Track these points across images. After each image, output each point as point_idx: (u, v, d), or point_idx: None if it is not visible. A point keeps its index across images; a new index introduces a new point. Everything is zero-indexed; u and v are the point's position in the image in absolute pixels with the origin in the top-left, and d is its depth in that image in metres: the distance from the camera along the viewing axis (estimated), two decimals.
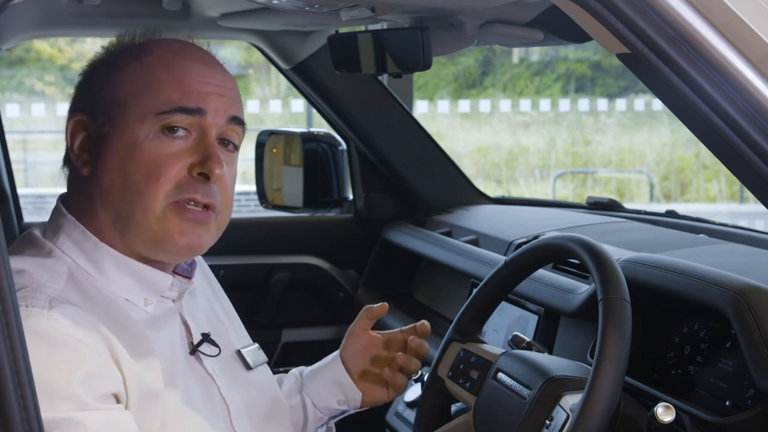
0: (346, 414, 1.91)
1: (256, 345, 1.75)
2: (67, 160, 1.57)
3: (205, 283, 1.75)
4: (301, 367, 1.95)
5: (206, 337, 1.60)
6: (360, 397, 1.88)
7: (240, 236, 3.10)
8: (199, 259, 1.72)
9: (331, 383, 1.87)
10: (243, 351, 1.69)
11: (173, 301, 1.59)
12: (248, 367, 1.68)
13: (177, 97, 1.49)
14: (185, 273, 1.62)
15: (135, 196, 1.48)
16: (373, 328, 1.92)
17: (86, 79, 1.58)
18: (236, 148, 1.59)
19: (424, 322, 1.89)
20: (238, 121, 1.56)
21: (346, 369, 1.87)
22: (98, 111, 1.52)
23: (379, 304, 1.90)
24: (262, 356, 1.74)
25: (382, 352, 1.89)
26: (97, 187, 1.51)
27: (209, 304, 1.71)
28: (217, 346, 1.62)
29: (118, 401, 1.40)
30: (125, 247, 1.52)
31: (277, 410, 1.72)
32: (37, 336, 1.34)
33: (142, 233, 1.50)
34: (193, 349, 1.58)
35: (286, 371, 1.99)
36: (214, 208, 1.52)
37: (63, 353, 1.35)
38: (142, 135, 1.48)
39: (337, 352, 1.91)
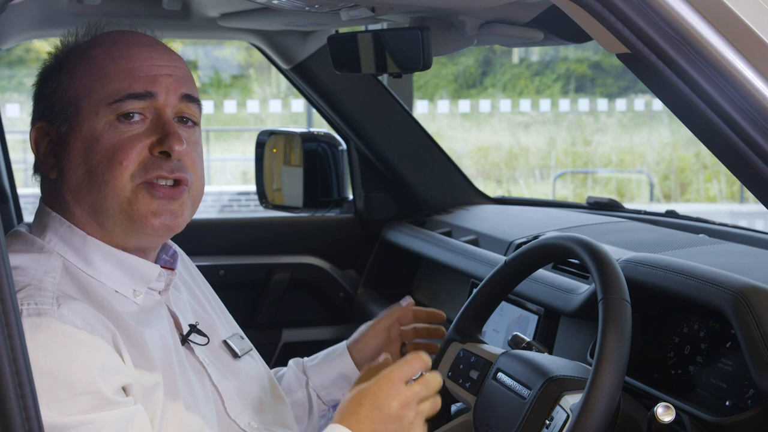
0: None
1: (241, 333, 1.77)
2: (38, 168, 1.59)
3: (186, 275, 1.76)
4: (298, 359, 1.95)
5: (194, 328, 1.62)
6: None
7: (240, 236, 3.10)
8: (178, 248, 1.73)
9: (339, 378, 1.90)
10: (229, 340, 1.71)
11: (159, 293, 1.60)
12: (236, 355, 1.69)
13: (125, 85, 1.51)
14: (168, 264, 1.63)
15: (102, 185, 1.49)
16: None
17: (40, 87, 1.60)
18: (195, 123, 1.59)
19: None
20: (191, 99, 1.57)
21: (355, 362, 1.90)
22: (55, 114, 1.54)
23: (405, 300, 1.95)
24: (247, 344, 1.76)
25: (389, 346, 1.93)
26: (66, 186, 1.53)
27: (192, 295, 1.73)
28: (204, 335, 1.63)
29: (127, 394, 1.42)
30: (107, 238, 1.53)
31: (269, 395, 1.72)
32: (50, 333, 1.36)
33: (117, 219, 1.51)
34: (183, 339, 1.59)
35: None
36: (186, 181, 1.53)
37: (79, 348, 1.37)
38: (99, 127, 1.50)
39: (344, 346, 1.93)
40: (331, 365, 1.90)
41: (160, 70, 1.54)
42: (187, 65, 1.62)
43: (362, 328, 1.95)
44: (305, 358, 1.96)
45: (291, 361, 1.95)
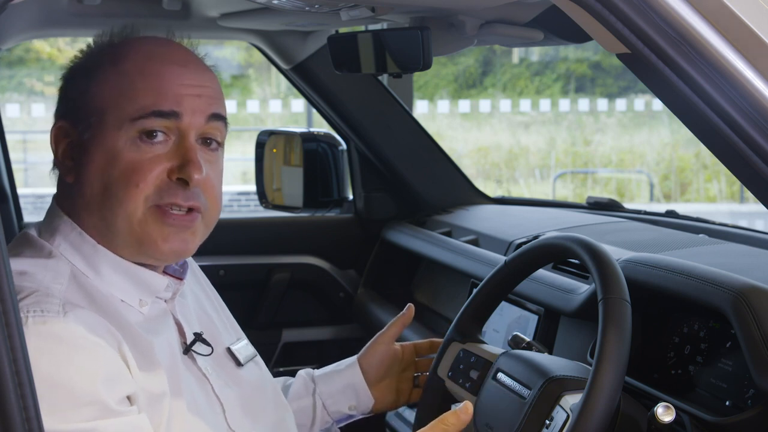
0: (353, 419, 1.92)
1: (245, 340, 1.75)
2: (56, 164, 1.57)
3: (193, 280, 1.75)
4: (308, 369, 1.95)
5: (198, 337, 1.60)
6: (372, 404, 1.90)
7: (240, 236, 3.10)
8: (189, 259, 1.72)
9: (345, 388, 1.89)
10: (233, 348, 1.69)
11: (166, 302, 1.59)
12: (239, 363, 1.68)
13: (151, 102, 1.48)
14: (176, 274, 1.62)
15: (115, 203, 1.47)
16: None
17: (66, 85, 1.57)
18: (219, 145, 1.56)
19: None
20: (218, 118, 1.54)
21: (363, 373, 1.89)
22: (78, 118, 1.52)
23: (406, 307, 1.94)
24: (251, 350, 1.74)
25: (398, 363, 1.92)
26: (80, 194, 1.51)
27: (198, 302, 1.71)
28: (209, 345, 1.62)
29: (131, 403, 1.41)
30: (116, 251, 1.52)
31: (271, 404, 1.72)
32: (55, 341, 1.34)
33: (126, 239, 1.49)
34: (187, 349, 1.58)
35: (287, 371, 1.99)
36: (199, 209, 1.51)
37: (83, 357, 1.36)
38: (120, 142, 1.47)
39: (354, 358, 1.92)
40: (339, 374, 1.90)
41: (188, 90, 1.51)
42: (219, 82, 1.59)
43: (371, 339, 1.95)
44: (315, 369, 1.95)
45: (301, 371, 1.95)
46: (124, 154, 1.47)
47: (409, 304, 1.95)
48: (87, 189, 1.50)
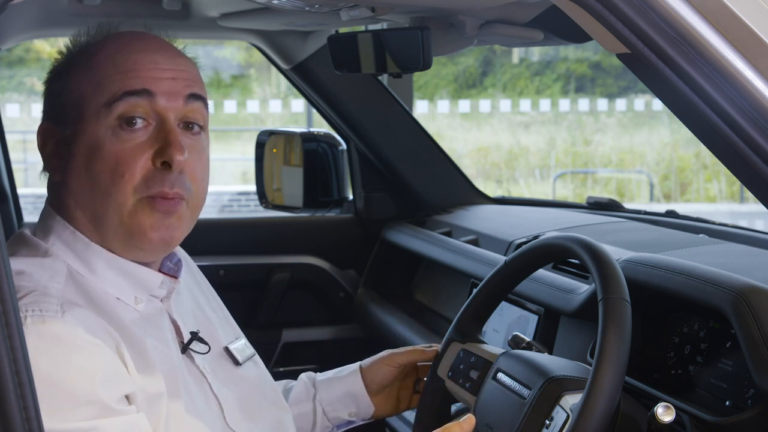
0: (353, 425, 1.92)
1: (244, 340, 1.75)
2: (44, 164, 1.57)
3: (190, 279, 1.74)
4: (310, 373, 1.95)
5: (195, 336, 1.60)
6: (372, 411, 1.90)
7: (240, 236, 3.10)
8: (184, 255, 1.72)
9: (346, 395, 1.88)
10: (231, 347, 1.69)
11: (161, 300, 1.59)
12: (237, 363, 1.68)
13: (123, 84, 1.47)
14: (171, 272, 1.62)
15: (104, 196, 1.47)
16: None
17: (48, 87, 1.58)
18: (202, 128, 1.56)
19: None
20: (197, 98, 1.53)
21: (365, 383, 1.89)
22: (59, 117, 1.52)
23: (430, 346, 1.94)
24: (250, 350, 1.74)
25: (400, 373, 1.92)
26: (68, 191, 1.51)
27: (195, 301, 1.71)
28: (206, 343, 1.61)
29: (130, 403, 1.41)
30: (107, 246, 1.51)
31: (269, 404, 1.72)
32: (53, 341, 1.34)
33: (117, 230, 1.49)
34: (184, 348, 1.58)
35: (287, 371, 1.99)
36: (183, 197, 1.51)
37: (82, 357, 1.36)
38: (101, 133, 1.47)
39: (357, 365, 1.92)
40: (340, 381, 1.90)
41: (162, 72, 1.50)
42: (197, 68, 1.58)
43: (380, 353, 1.94)
44: (317, 373, 1.95)
45: (303, 375, 1.94)
46: (106, 145, 1.47)
47: (435, 346, 1.94)
48: (74, 185, 1.50)
